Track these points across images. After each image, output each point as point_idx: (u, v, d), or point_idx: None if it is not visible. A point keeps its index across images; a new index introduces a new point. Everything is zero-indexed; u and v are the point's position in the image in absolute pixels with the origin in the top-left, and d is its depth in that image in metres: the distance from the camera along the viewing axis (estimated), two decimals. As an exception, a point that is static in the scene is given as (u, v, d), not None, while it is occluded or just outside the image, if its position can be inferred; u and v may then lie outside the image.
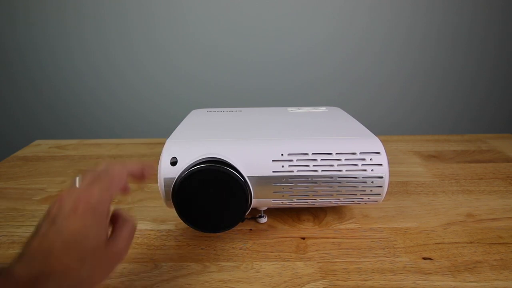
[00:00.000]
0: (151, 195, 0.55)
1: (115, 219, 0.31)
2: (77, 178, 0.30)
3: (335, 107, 0.61)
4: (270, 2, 0.92)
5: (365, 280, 0.36)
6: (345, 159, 0.40)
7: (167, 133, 0.46)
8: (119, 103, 1.02)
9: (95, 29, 0.94)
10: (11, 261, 0.24)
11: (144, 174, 0.34)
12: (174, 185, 0.38)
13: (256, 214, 0.47)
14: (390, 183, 0.43)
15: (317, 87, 1.00)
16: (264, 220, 0.47)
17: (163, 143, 0.41)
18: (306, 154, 0.40)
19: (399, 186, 0.56)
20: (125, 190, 0.33)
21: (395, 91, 1.00)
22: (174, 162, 0.39)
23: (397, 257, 0.40)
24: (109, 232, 0.30)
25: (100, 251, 0.27)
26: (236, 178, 0.37)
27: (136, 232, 0.45)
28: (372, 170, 0.40)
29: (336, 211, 0.49)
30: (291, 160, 0.40)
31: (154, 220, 0.48)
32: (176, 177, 0.38)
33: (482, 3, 0.91)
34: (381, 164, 0.40)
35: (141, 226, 0.47)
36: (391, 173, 0.42)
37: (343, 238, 0.43)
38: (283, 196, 0.41)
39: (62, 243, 0.25)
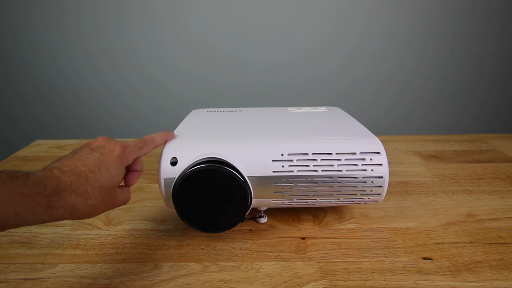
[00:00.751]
0: (151, 195, 0.55)
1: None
2: None
3: (335, 107, 0.61)
4: (270, 2, 0.92)
5: (365, 280, 0.36)
6: (345, 159, 0.40)
7: (167, 133, 0.46)
8: (119, 103, 1.02)
9: (96, 29, 0.94)
10: (38, 170, 0.27)
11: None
12: (174, 185, 0.38)
13: (256, 214, 0.47)
14: (390, 183, 0.43)
15: (317, 87, 1.00)
16: (264, 220, 0.47)
17: (163, 143, 0.41)
18: (306, 154, 0.40)
19: (399, 186, 0.56)
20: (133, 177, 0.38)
21: (395, 91, 1.00)
22: (174, 162, 0.39)
23: (397, 257, 0.40)
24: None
25: (111, 192, 0.32)
26: (236, 178, 0.37)
27: (136, 232, 0.45)
28: (372, 170, 0.40)
29: (336, 211, 0.49)
30: (291, 160, 0.40)
31: (154, 220, 0.48)
32: (176, 177, 0.38)
33: (482, 3, 0.91)
34: (381, 164, 0.40)
35: (141, 226, 0.47)
36: (391, 173, 0.42)
37: (343, 238, 0.43)
38: (283, 196, 0.41)
39: (93, 171, 0.30)
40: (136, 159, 0.37)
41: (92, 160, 0.30)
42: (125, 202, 0.36)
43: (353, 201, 0.42)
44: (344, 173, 0.40)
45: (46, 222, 0.27)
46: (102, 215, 0.49)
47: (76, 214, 0.29)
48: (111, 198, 0.32)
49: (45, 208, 0.26)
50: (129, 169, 0.38)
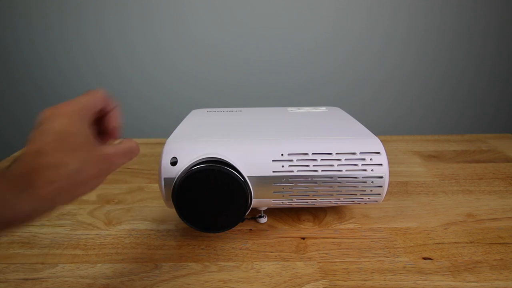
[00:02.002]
0: (151, 195, 0.55)
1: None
2: None
3: (335, 107, 0.61)
4: (270, 1, 0.92)
5: (365, 280, 0.36)
6: (345, 159, 0.40)
7: (167, 133, 0.46)
8: (119, 103, 1.02)
9: (96, 28, 0.94)
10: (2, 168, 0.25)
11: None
12: (174, 185, 0.38)
13: (256, 214, 0.47)
14: (390, 183, 0.43)
15: (317, 87, 1.00)
16: (264, 220, 0.47)
17: (163, 143, 0.41)
18: (306, 154, 0.40)
19: (399, 186, 0.56)
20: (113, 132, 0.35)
21: (395, 91, 1.00)
22: (174, 162, 0.39)
23: (397, 257, 0.40)
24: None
25: (88, 147, 0.28)
26: (236, 178, 0.37)
27: (136, 232, 0.45)
28: (372, 170, 0.40)
29: (336, 211, 0.49)
30: (291, 160, 0.40)
31: (154, 220, 0.48)
32: (176, 177, 0.38)
33: (482, 3, 0.91)
34: (381, 164, 0.40)
35: (141, 226, 0.47)
36: (391, 173, 0.42)
37: (343, 238, 0.43)
38: (283, 196, 0.41)
39: (49, 141, 0.26)
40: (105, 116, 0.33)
41: (42, 135, 0.27)
42: (114, 156, 0.30)
43: (353, 201, 0.42)
44: (344, 173, 0.40)
45: (44, 213, 0.25)
46: (102, 215, 0.49)
47: (68, 191, 0.26)
48: (89, 156, 0.28)
49: (20, 194, 0.24)
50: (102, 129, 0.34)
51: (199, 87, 1.00)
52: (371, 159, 0.40)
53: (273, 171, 0.40)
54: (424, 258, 0.39)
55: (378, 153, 0.41)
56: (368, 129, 0.46)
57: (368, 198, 0.42)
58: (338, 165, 0.40)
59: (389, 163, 0.41)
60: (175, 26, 0.94)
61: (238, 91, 1.00)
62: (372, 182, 0.40)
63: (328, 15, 0.92)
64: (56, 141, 0.27)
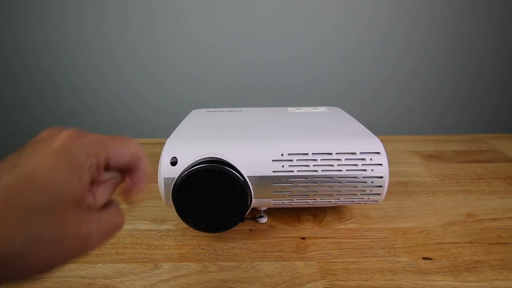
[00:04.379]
0: (151, 195, 0.55)
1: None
2: None
3: (335, 107, 0.61)
4: (270, 2, 0.92)
5: (365, 280, 0.36)
6: (345, 159, 0.40)
7: (167, 133, 0.46)
8: (120, 103, 1.02)
9: (96, 28, 0.94)
10: None
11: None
12: (174, 185, 0.38)
13: (256, 214, 0.47)
14: (390, 183, 0.43)
15: (317, 87, 1.00)
16: (264, 220, 0.47)
17: (163, 143, 0.41)
18: (306, 154, 0.40)
19: (399, 186, 0.56)
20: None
21: (395, 91, 1.00)
22: (174, 162, 0.39)
23: (397, 257, 0.40)
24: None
25: (69, 210, 0.18)
26: (236, 178, 0.37)
27: (136, 232, 0.45)
28: (372, 170, 0.40)
29: (336, 211, 0.49)
30: (291, 160, 0.40)
31: (154, 220, 0.48)
32: (176, 177, 0.38)
33: (482, 3, 0.91)
34: (381, 164, 0.40)
35: (141, 226, 0.47)
36: (391, 173, 0.42)
37: (343, 238, 0.43)
38: (283, 196, 0.41)
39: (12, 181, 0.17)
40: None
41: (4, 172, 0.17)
42: (112, 228, 0.22)
43: (353, 201, 0.42)
44: (344, 173, 0.40)
45: None
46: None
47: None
48: (66, 224, 0.18)
49: None
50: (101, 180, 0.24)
51: (199, 87, 1.00)
52: (371, 159, 0.40)
53: (273, 171, 0.40)
54: (424, 258, 0.39)
55: (378, 153, 0.40)
56: (368, 129, 0.46)
57: (368, 198, 0.42)
58: (338, 165, 0.40)
59: (389, 163, 0.41)
60: (175, 26, 0.94)
61: (238, 91, 1.00)
62: (372, 182, 0.40)
63: (328, 15, 0.93)
64: (18, 183, 0.17)
